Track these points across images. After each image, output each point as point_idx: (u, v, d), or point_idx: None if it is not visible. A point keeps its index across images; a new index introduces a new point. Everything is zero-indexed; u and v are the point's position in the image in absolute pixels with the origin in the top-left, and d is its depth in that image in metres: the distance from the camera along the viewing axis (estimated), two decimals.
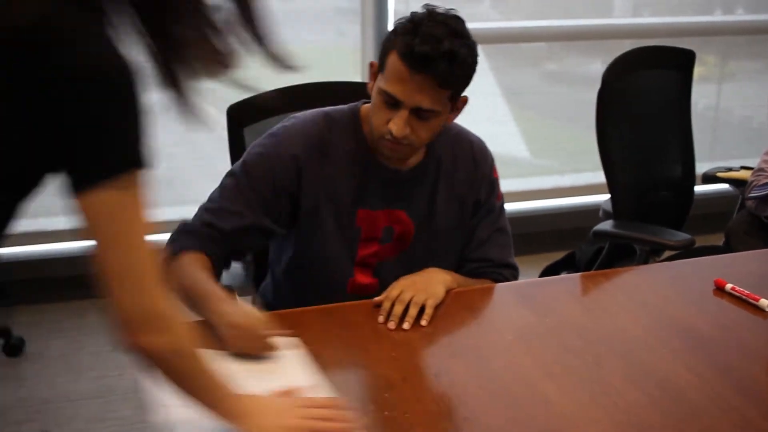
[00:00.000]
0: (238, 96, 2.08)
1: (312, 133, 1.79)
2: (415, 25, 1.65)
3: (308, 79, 2.08)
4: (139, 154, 1.10)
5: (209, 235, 1.74)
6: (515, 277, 1.94)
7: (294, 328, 1.64)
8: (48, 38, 0.99)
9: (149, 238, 1.14)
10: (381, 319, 1.68)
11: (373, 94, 1.73)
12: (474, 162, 1.88)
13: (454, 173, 1.86)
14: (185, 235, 1.74)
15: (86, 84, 1.01)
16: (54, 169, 1.07)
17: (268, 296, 2.00)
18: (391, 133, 1.68)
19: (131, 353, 1.16)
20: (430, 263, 1.84)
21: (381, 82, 1.69)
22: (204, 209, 1.78)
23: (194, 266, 1.67)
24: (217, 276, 1.74)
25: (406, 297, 1.69)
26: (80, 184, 1.06)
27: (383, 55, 1.70)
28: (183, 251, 1.70)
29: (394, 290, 1.72)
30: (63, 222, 3.43)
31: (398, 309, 1.67)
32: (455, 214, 1.88)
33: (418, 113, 1.68)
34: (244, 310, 1.55)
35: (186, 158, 3.66)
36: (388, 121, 1.69)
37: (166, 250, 1.70)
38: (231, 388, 1.25)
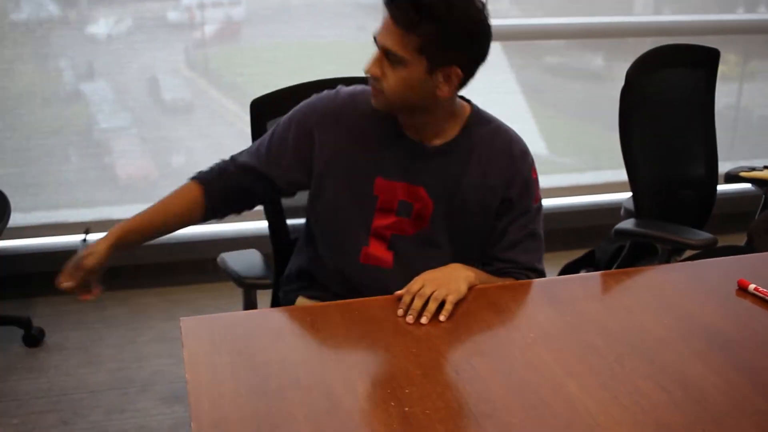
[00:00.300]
0: (261, 90, 2.10)
1: (328, 102, 1.88)
2: None
3: (328, 74, 2.08)
4: None
5: (221, 166, 1.93)
6: None
7: (315, 323, 1.65)
8: None
9: None
10: (400, 312, 1.68)
11: None
12: (511, 157, 1.88)
13: (488, 163, 1.86)
14: (210, 167, 1.94)
15: None
16: None
17: (299, 261, 2.03)
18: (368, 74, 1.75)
19: None
20: (447, 246, 1.86)
21: None
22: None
23: (168, 198, 1.90)
24: (209, 206, 1.90)
25: (427, 291, 1.69)
26: None
27: None
28: (191, 179, 1.92)
29: (415, 284, 1.72)
30: (85, 214, 3.47)
31: (417, 303, 1.68)
32: (480, 203, 1.87)
33: (388, 56, 1.71)
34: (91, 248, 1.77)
35: (205, 152, 3.67)
36: None
37: None
38: None
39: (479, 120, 1.88)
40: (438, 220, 1.86)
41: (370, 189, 1.84)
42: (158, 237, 1.90)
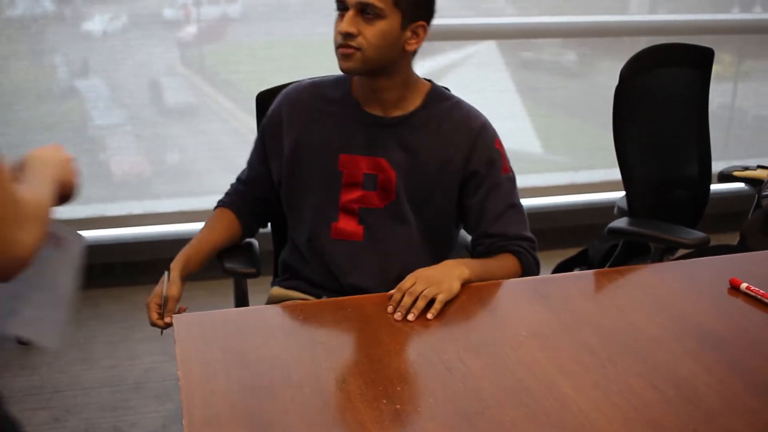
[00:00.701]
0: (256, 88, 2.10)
1: (293, 91, 1.98)
2: None
3: (324, 71, 2.09)
4: None
5: (236, 189, 2.07)
6: (534, 249, 1.96)
7: (306, 321, 1.65)
8: None
9: None
10: (390, 309, 1.69)
11: None
12: (470, 130, 1.91)
13: (447, 135, 1.91)
14: (227, 193, 2.08)
15: None
16: None
17: (284, 254, 2.10)
18: (341, 35, 1.78)
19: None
20: (413, 219, 1.92)
21: None
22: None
23: (207, 222, 2.03)
24: (245, 224, 2.04)
25: (417, 289, 1.70)
26: None
27: None
28: (217, 207, 2.06)
29: (407, 282, 1.73)
30: (79, 210, 3.47)
31: (407, 301, 1.69)
32: (440, 174, 1.92)
33: (363, 11, 1.76)
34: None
35: (200, 149, 3.67)
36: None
37: None
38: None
39: (439, 95, 1.94)
40: (402, 191, 1.91)
41: (335, 165, 1.90)
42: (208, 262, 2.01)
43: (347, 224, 1.93)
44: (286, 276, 2.05)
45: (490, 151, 1.92)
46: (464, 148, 1.90)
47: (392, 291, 1.73)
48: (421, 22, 1.81)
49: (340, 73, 1.86)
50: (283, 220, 2.07)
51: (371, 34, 1.77)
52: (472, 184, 1.91)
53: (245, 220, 2.04)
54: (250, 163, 2.05)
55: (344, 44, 1.78)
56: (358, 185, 1.91)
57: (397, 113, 1.89)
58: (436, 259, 1.87)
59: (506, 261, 1.93)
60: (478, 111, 1.96)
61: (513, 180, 1.96)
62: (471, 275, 1.80)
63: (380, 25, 1.77)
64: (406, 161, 1.90)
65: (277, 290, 2.03)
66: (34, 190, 1.22)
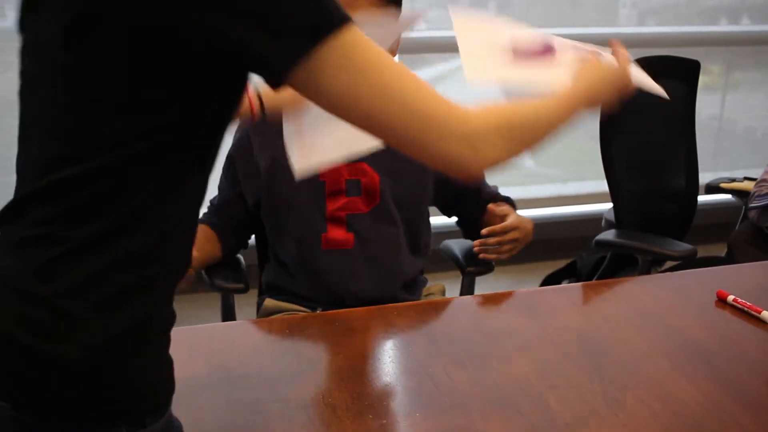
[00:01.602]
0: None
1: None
2: None
3: None
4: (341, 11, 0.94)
5: (210, 209, 2.03)
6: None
7: (293, 335, 1.64)
8: None
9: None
10: (478, 248, 1.95)
11: None
12: None
13: None
14: (206, 209, 2.04)
15: None
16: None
17: (267, 276, 2.08)
18: None
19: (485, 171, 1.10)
20: (400, 221, 1.94)
21: None
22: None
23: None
24: (224, 240, 2.01)
25: (510, 237, 1.94)
26: (296, 56, 0.92)
27: None
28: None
29: (510, 225, 1.94)
30: None
31: (498, 242, 1.92)
32: (419, 173, 1.95)
33: None
34: None
35: None
36: None
37: None
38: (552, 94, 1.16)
39: None
40: (387, 193, 1.92)
41: (315, 177, 1.89)
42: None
43: (337, 233, 1.92)
44: (272, 294, 2.03)
45: None
46: None
47: (491, 228, 1.92)
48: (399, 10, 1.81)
49: None
50: (265, 237, 2.06)
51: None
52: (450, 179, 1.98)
53: (224, 236, 2.02)
54: (221, 188, 2.04)
55: None
56: (341, 192, 1.91)
57: None
58: (419, 254, 1.98)
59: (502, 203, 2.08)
60: None
61: None
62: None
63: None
64: (387, 161, 1.90)
65: (271, 302, 2.00)
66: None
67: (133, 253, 0.98)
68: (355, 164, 1.89)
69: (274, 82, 0.95)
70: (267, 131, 1.90)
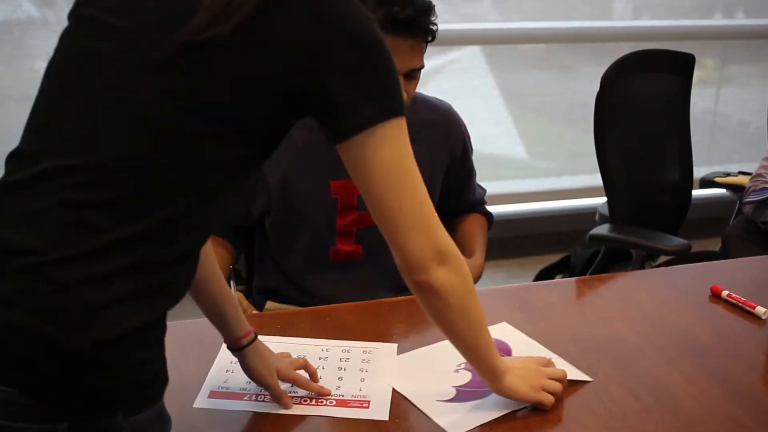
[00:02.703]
0: None
1: None
2: None
3: None
4: (400, 102, 1.12)
5: None
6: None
7: (285, 330, 1.63)
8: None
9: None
10: None
11: None
12: (445, 123, 1.98)
13: (428, 135, 1.93)
14: None
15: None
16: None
17: (260, 279, 2.04)
18: None
19: (419, 291, 1.20)
20: None
21: None
22: None
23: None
24: (234, 246, 1.96)
25: None
26: (359, 125, 1.08)
27: None
28: None
29: None
30: None
31: None
32: (428, 173, 1.91)
33: (410, 74, 1.74)
34: None
35: None
36: None
37: None
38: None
39: (412, 101, 1.90)
40: None
41: (327, 193, 1.86)
42: None
43: (345, 245, 1.91)
44: (272, 297, 2.00)
45: (464, 138, 2.02)
46: (447, 142, 1.98)
47: None
48: None
49: None
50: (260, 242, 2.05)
51: (413, 88, 1.79)
52: (451, 171, 2.01)
53: (233, 242, 1.97)
54: None
55: None
56: (352, 208, 1.89)
57: None
58: None
59: (478, 221, 2.12)
60: (441, 103, 2.02)
61: (472, 149, 2.08)
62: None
63: (418, 77, 1.79)
64: None
65: (272, 304, 1.98)
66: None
67: (158, 256, 1.02)
68: None
69: (340, 135, 1.08)
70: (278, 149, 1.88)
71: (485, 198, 2.19)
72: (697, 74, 2.66)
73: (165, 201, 1.02)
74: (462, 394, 1.44)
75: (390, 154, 1.10)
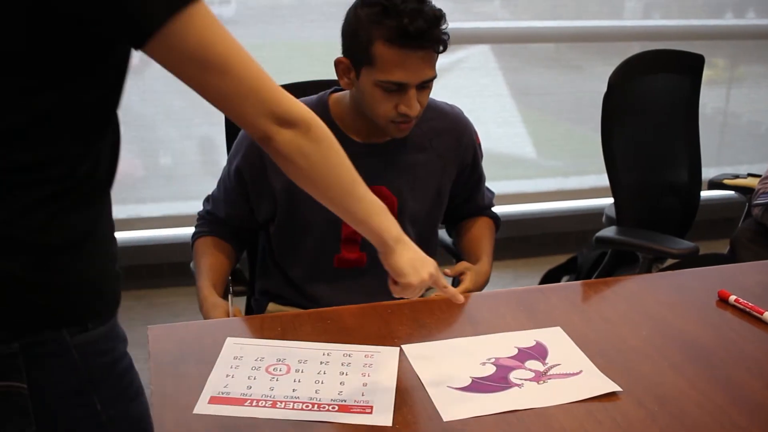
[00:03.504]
0: None
1: None
2: (387, 7, 1.66)
3: (315, 75, 2.06)
4: None
5: (212, 220, 1.96)
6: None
7: (285, 332, 1.62)
8: None
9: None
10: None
11: (366, 88, 1.72)
12: (456, 131, 1.96)
13: (439, 144, 1.92)
14: (199, 222, 1.99)
15: None
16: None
17: (263, 282, 2.03)
18: (405, 115, 1.73)
19: (273, 156, 1.22)
20: (413, 236, 1.86)
21: (374, 75, 1.69)
22: (207, 198, 2.01)
23: (202, 251, 1.91)
24: (236, 249, 1.97)
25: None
26: (152, 25, 1.03)
27: (362, 49, 1.69)
28: (197, 237, 1.95)
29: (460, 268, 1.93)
30: None
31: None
32: (438, 181, 1.95)
33: (422, 85, 1.72)
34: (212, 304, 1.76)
35: (190, 151, 3.64)
36: (396, 106, 1.72)
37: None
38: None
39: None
40: (405, 214, 1.90)
41: None
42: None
43: (350, 253, 1.90)
44: (275, 299, 1.99)
45: (474, 145, 2.00)
46: (458, 149, 1.96)
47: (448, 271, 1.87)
48: None
49: (319, 91, 1.87)
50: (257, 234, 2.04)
51: (426, 98, 1.78)
52: (461, 178, 2.00)
53: (235, 245, 1.97)
54: (230, 201, 1.93)
55: (407, 120, 1.76)
56: None
57: (388, 138, 1.85)
58: None
59: (486, 225, 2.10)
60: (452, 108, 1.99)
61: (482, 155, 2.06)
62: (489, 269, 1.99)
63: (429, 89, 1.78)
64: (405, 184, 1.89)
65: (274, 306, 1.97)
66: None
67: (46, 162, 1.05)
68: (373, 188, 1.83)
69: (142, 38, 1.03)
70: None
71: (493, 201, 2.18)
72: (707, 74, 2.64)
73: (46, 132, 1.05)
74: (477, 386, 1.45)
75: (198, 36, 1.06)
